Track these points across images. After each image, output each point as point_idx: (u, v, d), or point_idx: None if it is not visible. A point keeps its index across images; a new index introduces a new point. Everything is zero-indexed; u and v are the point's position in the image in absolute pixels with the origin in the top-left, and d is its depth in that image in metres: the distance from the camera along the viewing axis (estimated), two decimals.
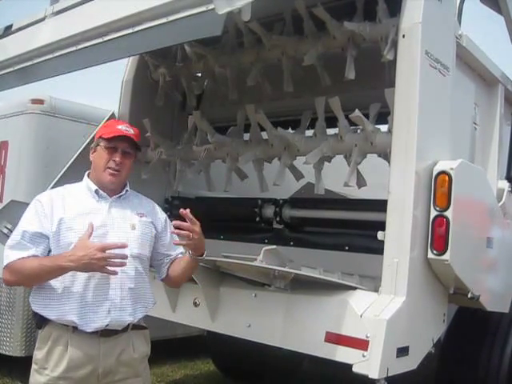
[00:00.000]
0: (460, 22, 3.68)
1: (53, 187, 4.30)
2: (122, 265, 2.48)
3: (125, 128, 2.77)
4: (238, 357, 5.61)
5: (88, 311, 2.56)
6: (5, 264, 2.54)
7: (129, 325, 2.68)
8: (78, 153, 4.45)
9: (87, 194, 2.72)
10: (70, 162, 4.43)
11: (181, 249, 2.90)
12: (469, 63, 3.81)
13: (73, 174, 4.36)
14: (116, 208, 2.72)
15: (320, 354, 3.08)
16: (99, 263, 2.42)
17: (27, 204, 4.27)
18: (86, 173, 2.81)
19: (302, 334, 3.19)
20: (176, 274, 2.91)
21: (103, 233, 2.62)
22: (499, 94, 4.16)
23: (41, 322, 2.61)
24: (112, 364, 2.62)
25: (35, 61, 3.54)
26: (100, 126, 2.91)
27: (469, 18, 3.90)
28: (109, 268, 2.44)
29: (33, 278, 2.57)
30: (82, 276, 2.54)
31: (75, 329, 2.55)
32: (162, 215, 2.94)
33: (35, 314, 2.63)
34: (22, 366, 5.38)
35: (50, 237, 2.57)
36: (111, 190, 2.74)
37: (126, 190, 2.81)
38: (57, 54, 3.39)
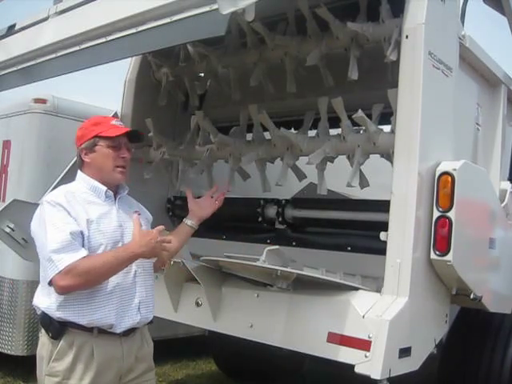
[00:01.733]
0: (463, 23, 3.69)
1: (55, 187, 4.33)
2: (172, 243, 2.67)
3: (119, 123, 2.75)
4: (240, 357, 5.62)
5: (122, 311, 2.55)
6: (60, 269, 2.37)
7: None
8: None
9: (92, 194, 2.65)
10: (72, 162, 4.41)
11: None
12: (472, 64, 3.81)
13: (75, 174, 4.38)
14: (121, 208, 2.71)
15: (322, 354, 3.07)
16: (160, 246, 2.53)
17: (29, 203, 4.32)
18: (82, 173, 2.72)
19: (304, 335, 3.19)
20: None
21: (121, 232, 2.62)
22: (502, 94, 4.16)
23: (59, 330, 2.49)
24: (132, 362, 2.63)
25: (38, 60, 3.54)
26: (84, 125, 2.76)
27: (472, 19, 3.91)
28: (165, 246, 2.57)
29: (104, 274, 2.46)
30: (116, 277, 2.52)
31: (100, 332, 2.50)
32: (147, 213, 2.96)
33: (52, 323, 2.50)
34: (24, 365, 5.41)
35: (84, 237, 2.48)
36: (113, 190, 2.72)
37: (127, 190, 2.80)
38: (60, 53, 3.39)
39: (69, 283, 2.39)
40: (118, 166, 2.67)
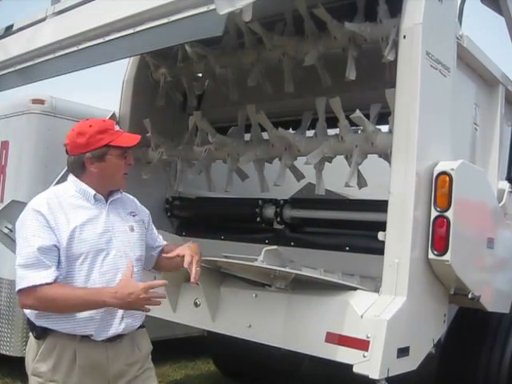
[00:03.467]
0: (461, 23, 3.69)
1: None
2: (159, 303, 2.44)
3: (119, 128, 2.68)
4: (239, 357, 5.61)
5: (102, 321, 2.47)
6: (22, 287, 2.34)
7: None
8: None
9: (81, 198, 2.55)
10: None
11: (159, 247, 2.92)
12: (469, 64, 3.82)
13: None
14: (113, 211, 2.60)
15: (320, 354, 3.08)
16: (142, 303, 2.38)
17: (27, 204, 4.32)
18: (73, 176, 2.60)
19: (303, 335, 3.19)
20: (166, 266, 2.93)
21: (109, 238, 2.51)
22: (500, 94, 4.16)
23: (41, 332, 2.47)
24: (121, 368, 2.56)
25: (36, 61, 3.55)
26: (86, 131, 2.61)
27: (469, 19, 3.91)
28: (146, 307, 2.41)
29: (66, 309, 2.40)
30: (97, 287, 2.44)
31: (83, 337, 2.45)
32: (143, 209, 2.86)
33: (34, 325, 2.48)
34: (22, 366, 5.40)
35: (60, 248, 2.40)
36: (106, 194, 2.62)
37: (121, 193, 2.70)
38: (58, 54, 3.39)
39: (30, 303, 2.39)
40: (124, 174, 2.63)
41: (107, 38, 3.09)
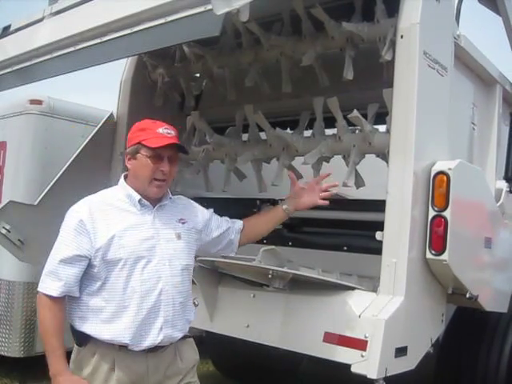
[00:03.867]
0: (458, 23, 3.69)
1: (51, 188, 4.33)
2: None
3: (167, 131, 2.54)
4: (237, 357, 5.61)
5: (140, 331, 2.44)
6: (38, 289, 2.46)
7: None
8: (76, 153, 4.45)
9: (128, 203, 2.54)
10: (68, 163, 4.42)
11: (234, 221, 2.95)
12: (467, 63, 3.82)
13: (71, 175, 4.38)
14: (159, 218, 2.57)
15: (318, 354, 3.08)
16: None
17: (25, 204, 4.32)
18: (123, 177, 2.62)
19: (301, 335, 3.19)
20: (254, 233, 3.03)
21: (151, 245, 2.49)
22: (497, 94, 4.16)
23: (82, 339, 2.47)
24: (159, 379, 2.53)
25: (34, 61, 3.54)
26: (133, 128, 2.62)
27: (467, 19, 3.91)
28: None
29: (39, 328, 2.51)
30: (137, 295, 2.43)
31: (122, 346, 2.43)
32: (198, 212, 2.82)
33: (75, 331, 2.49)
34: (20, 366, 5.40)
35: (90, 255, 2.41)
36: (153, 199, 2.58)
37: (170, 198, 2.66)
38: (55, 54, 3.39)
39: (37, 307, 2.48)
40: (156, 179, 2.52)
41: (104, 39, 3.08)
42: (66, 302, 2.48)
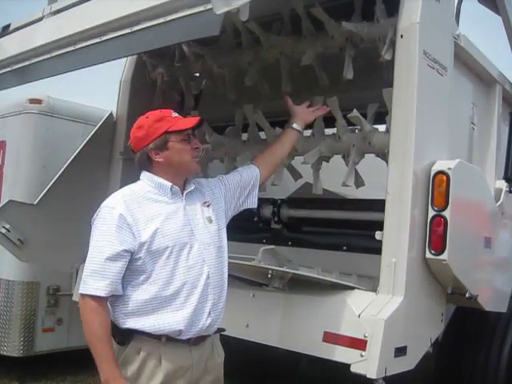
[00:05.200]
0: (458, 22, 3.69)
1: (51, 187, 4.34)
2: None
3: (178, 114, 2.61)
4: (237, 357, 5.60)
5: (193, 316, 2.43)
6: (81, 292, 2.36)
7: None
8: (76, 153, 4.45)
9: (157, 193, 2.52)
10: (67, 162, 4.42)
11: (254, 169, 2.95)
12: (467, 63, 3.82)
13: (71, 175, 4.38)
14: (189, 205, 2.57)
15: (318, 353, 3.08)
16: None
17: (25, 204, 4.32)
18: (146, 172, 2.57)
19: (300, 334, 3.19)
20: (272, 164, 3.06)
21: (189, 232, 2.48)
22: (497, 93, 4.17)
23: (126, 336, 2.42)
24: (200, 372, 2.52)
25: (33, 60, 3.53)
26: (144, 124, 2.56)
27: (467, 18, 3.91)
28: None
29: (85, 331, 2.36)
30: (187, 282, 2.42)
31: (168, 340, 2.41)
32: (214, 185, 2.80)
33: (119, 330, 2.42)
34: (20, 366, 5.40)
35: (134, 249, 2.37)
36: (180, 186, 2.58)
37: (193, 184, 2.65)
38: (55, 53, 3.38)
39: (80, 309, 2.37)
40: (194, 158, 2.57)
41: (104, 38, 3.08)
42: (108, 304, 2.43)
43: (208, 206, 2.65)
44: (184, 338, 2.43)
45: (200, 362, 2.51)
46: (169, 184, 2.52)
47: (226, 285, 2.61)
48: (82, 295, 2.36)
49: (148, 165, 2.56)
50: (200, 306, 2.45)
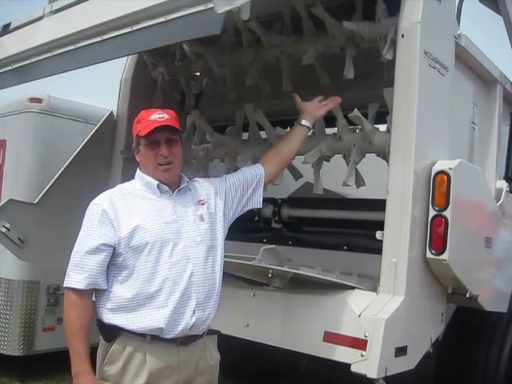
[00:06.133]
0: (459, 22, 3.69)
1: (51, 186, 4.33)
2: None
3: (159, 116, 2.54)
4: (237, 356, 5.60)
5: (174, 315, 2.41)
6: (65, 285, 2.42)
7: (206, 329, 2.56)
8: (76, 152, 4.44)
9: (147, 191, 2.55)
10: (68, 161, 4.42)
11: (259, 167, 2.95)
12: (468, 63, 3.82)
13: (71, 174, 4.38)
14: (180, 202, 2.57)
15: (318, 353, 3.07)
16: None
17: (25, 203, 4.31)
18: (138, 171, 2.63)
19: (301, 334, 3.19)
20: (280, 162, 3.06)
21: (176, 228, 2.48)
22: (498, 93, 4.16)
23: (111, 333, 2.43)
24: (191, 373, 2.50)
25: (33, 59, 3.53)
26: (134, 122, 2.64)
27: (468, 18, 3.91)
28: None
29: (65, 324, 2.44)
30: (168, 279, 2.41)
31: (153, 338, 2.40)
32: (216, 184, 2.80)
33: (104, 326, 2.44)
34: (20, 365, 5.40)
35: (114, 244, 2.40)
36: (171, 184, 2.58)
37: (187, 182, 2.66)
38: (55, 52, 3.38)
39: (64, 303, 2.44)
40: (159, 165, 2.53)
41: (105, 37, 3.07)
42: (91, 299, 2.45)
43: (203, 204, 2.65)
44: (168, 336, 2.42)
45: (189, 362, 2.49)
46: (156, 182, 2.55)
47: (216, 284, 2.58)
48: (65, 289, 2.42)
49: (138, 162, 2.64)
50: (182, 304, 2.43)
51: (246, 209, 2.91)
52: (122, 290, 2.42)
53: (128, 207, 2.47)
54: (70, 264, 2.43)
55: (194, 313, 2.45)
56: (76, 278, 2.39)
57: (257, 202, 2.93)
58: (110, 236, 2.41)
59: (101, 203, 2.47)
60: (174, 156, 2.57)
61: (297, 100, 3.20)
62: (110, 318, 2.43)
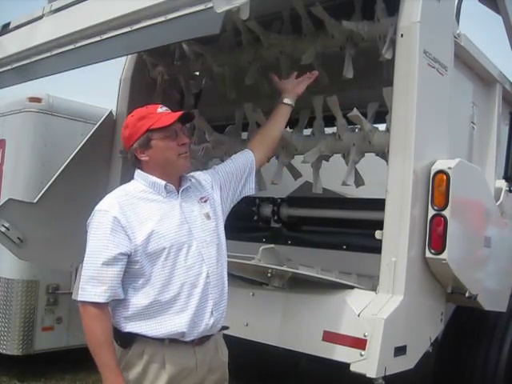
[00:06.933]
0: (458, 22, 3.68)
1: (50, 186, 4.33)
2: None
3: (165, 109, 2.52)
4: (236, 356, 5.60)
5: (194, 317, 2.39)
6: (79, 299, 2.33)
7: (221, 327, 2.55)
8: (75, 151, 4.44)
9: (152, 192, 2.47)
10: (67, 161, 4.42)
11: (248, 153, 2.93)
12: (467, 62, 3.82)
13: (71, 173, 4.38)
14: (185, 201, 2.51)
15: (318, 353, 3.08)
16: None
17: (24, 202, 4.31)
18: (139, 171, 2.53)
19: (300, 333, 3.19)
20: (268, 144, 3.04)
21: (188, 230, 2.43)
22: (497, 93, 4.16)
23: (128, 339, 2.38)
24: (205, 373, 2.49)
25: (33, 59, 3.53)
26: (129, 123, 2.55)
27: (467, 18, 3.91)
28: None
29: (87, 339, 2.33)
30: (186, 282, 2.38)
31: (172, 341, 2.38)
32: (210, 176, 2.74)
33: (120, 333, 2.39)
34: (19, 364, 5.40)
35: (130, 252, 2.33)
36: (175, 182, 2.52)
37: (190, 180, 2.60)
38: (55, 52, 3.38)
39: (81, 316, 2.34)
40: (180, 155, 2.48)
41: (104, 36, 3.07)
42: (109, 309, 2.39)
43: (205, 201, 2.60)
44: (188, 339, 2.40)
45: (204, 361, 2.48)
46: (163, 182, 2.47)
47: (226, 283, 2.57)
48: (82, 302, 2.33)
49: (138, 164, 2.53)
50: (202, 306, 2.41)
51: (240, 197, 2.89)
52: (138, 298, 2.37)
53: (138, 212, 2.39)
54: (84, 276, 2.33)
55: (212, 313, 2.44)
56: (94, 291, 2.30)
57: (250, 189, 2.90)
58: (126, 244, 2.33)
59: (109, 210, 2.37)
60: (189, 146, 2.58)
61: (274, 79, 3.19)
62: (126, 326, 2.38)
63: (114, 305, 2.40)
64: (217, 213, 2.64)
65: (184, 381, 2.42)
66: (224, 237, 2.64)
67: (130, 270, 2.37)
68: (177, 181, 2.55)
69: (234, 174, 2.83)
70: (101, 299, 2.30)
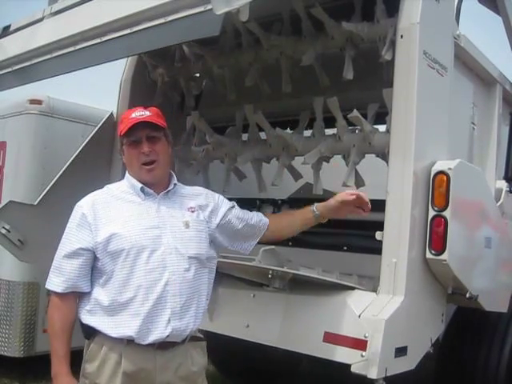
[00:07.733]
0: (458, 23, 3.69)
1: (51, 188, 4.33)
2: None
3: (139, 114, 2.48)
4: (237, 357, 5.61)
5: (147, 323, 2.36)
6: (46, 287, 2.47)
7: (187, 336, 2.48)
8: (76, 153, 4.44)
9: (131, 193, 2.50)
10: (68, 163, 4.42)
11: (264, 218, 2.83)
12: (467, 63, 3.82)
13: (71, 175, 4.38)
14: (165, 205, 2.50)
15: (318, 354, 3.07)
16: None
17: (25, 204, 4.31)
18: (127, 172, 2.58)
19: (301, 335, 3.19)
20: (281, 232, 2.93)
21: (156, 235, 2.41)
22: (497, 94, 4.17)
23: (90, 332, 2.43)
24: (169, 379, 2.44)
25: (34, 61, 3.54)
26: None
27: (467, 19, 3.91)
28: None
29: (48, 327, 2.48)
30: (142, 286, 2.36)
31: (129, 342, 2.37)
32: (215, 200, 2.69)
33: (83, 325, 2.46)
34: (20, 366, 5.40)
35: (92, 248, 2.39)
36: (157, 186, 2.52)
37: (175, 184, 2.58)
38: (55, 54, 3.39)
39: (49, 304, 2.48)
40: (143, 164, 2.47)
41: (104, 38, 3.08)
42: (75, 302, 2.47)
43: (193, 211, 2.57)
44: (143, 343, 2.38)
45: (167, 367, 2.44)
46: (139, 185, 2.49)
47: (200, 294, 2.51)
48: (48, 291, 2.46)
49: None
50: (156, 313, 2.37)
51: (232, 248, 2.83)
52: (100, 294, 2.42)
53: (109, 211, 2.44)
54: (52, 266, 2.47)
55: (169, 322, 2.38)
56: (55, 280, 2.43)
57: (244, 249, 2.83)
58: (88, 240, 2.41)
59: (83, 206, 2.47)
60: (158, 154, 2.48)
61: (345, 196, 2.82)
62: (87, 319, 2.44)
63: (80, 297, 2.48)
64: (203, 226, 2.58)
65: (141, 381, 2.41)
66: (209, 251, 2.58)
67: (96, 265, 2.45)
68: (161, 184, 2.55)
69: (245, 222, 2.77)
70: (58, 289, 2.42)
